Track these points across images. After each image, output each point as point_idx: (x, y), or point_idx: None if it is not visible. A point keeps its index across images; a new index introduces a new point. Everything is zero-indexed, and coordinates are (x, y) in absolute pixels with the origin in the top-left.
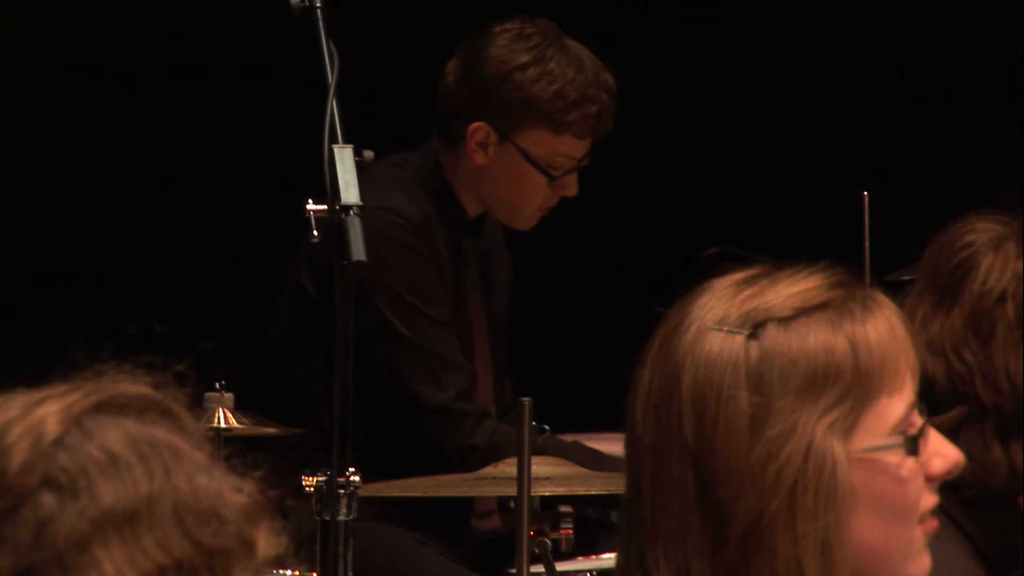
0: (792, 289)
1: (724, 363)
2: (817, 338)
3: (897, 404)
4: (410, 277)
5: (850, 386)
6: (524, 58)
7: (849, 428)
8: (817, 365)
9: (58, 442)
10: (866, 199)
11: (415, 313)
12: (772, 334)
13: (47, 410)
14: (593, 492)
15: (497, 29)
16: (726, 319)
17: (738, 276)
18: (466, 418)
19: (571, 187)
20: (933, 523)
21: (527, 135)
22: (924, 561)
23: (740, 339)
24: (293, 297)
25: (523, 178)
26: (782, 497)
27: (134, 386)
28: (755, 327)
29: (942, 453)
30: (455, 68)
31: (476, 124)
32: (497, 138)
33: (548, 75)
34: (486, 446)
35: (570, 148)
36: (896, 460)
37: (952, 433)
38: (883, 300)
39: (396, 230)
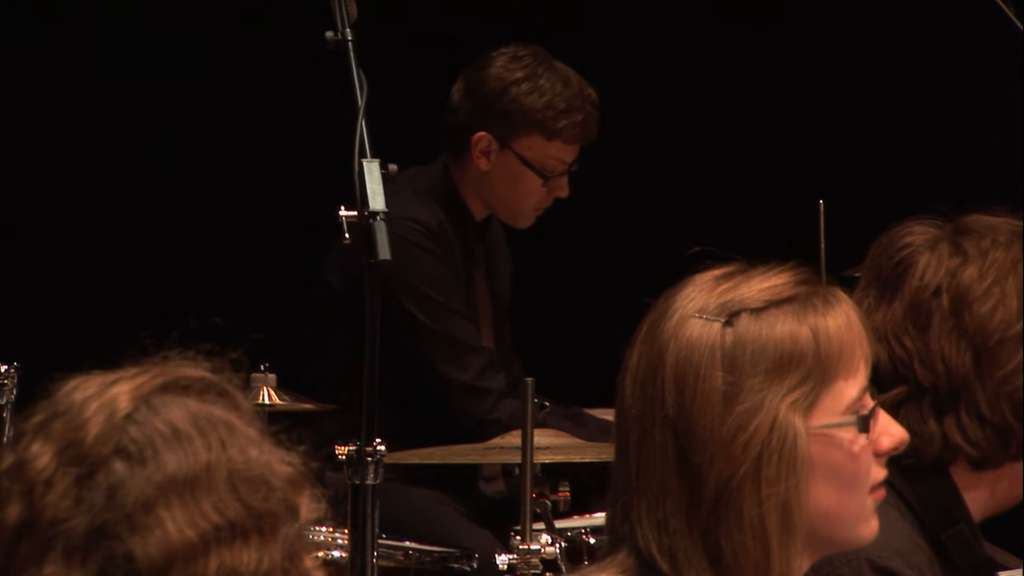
0: (763, 284)
1: (703, 346)
2: (784, 327)
3: (851, 387)
4: (429, 275)
5: (811, 370)
6: (518, 75)
7: (809, 406)
8: (783, 351)
9: (129, 417)
10: (822, 207)
11: (436, 305)
12: (745, 322)
13: (120, 389)
14: (587, 460)
15: (494, 53)
16: (705, 308)
17: (716, 272)
18: (488, 395)
19: (563, 189)
20: (881, 492)
21: (523, 141)
22: (873, 525)
23: (717, 326)
24: (324, 293)
25: (521, 180)
26: (749, 464)
27: (195, 370)
28: (731, 316)
29: (890, 432)
30: (460, 88)
31: (479, 134)
32: (497, 145)
33: (539, 89)
34: (506, 421)
35: (560, 152)
36: (849, 436)
37: (893, 409)
38: (842, 297)
39: (416, 236)
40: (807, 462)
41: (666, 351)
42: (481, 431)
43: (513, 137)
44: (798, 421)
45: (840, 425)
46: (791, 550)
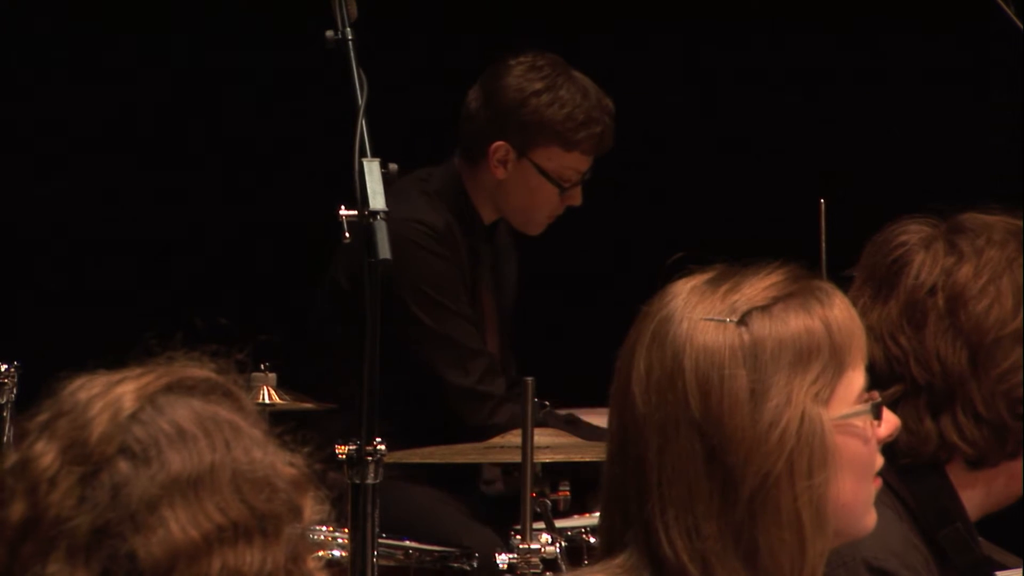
0: (764, 283)
1: (721, 347)
2: (798, 321)
3: (859, 376)
4: (435, 278)
5: (828, 361)
6: (538, 86)
7: (828, 398)
8: (802, 344)
9: (133, 416)
10: (823, 206)
11: (441, 308)
12: (758, 320)
13: (124, 389)
14: (587, 459)
15: (512, 62)
16: (711, 311)
17: (704, 276)
18: (489, 399)
19: (576, 198)
20: (879, 481)
21: (541, 152)
22: (874, 515)
23: (731, 327)
24: (331, 291)
25: (537, 190)
26: (784, 459)
27: (200, 370)
28: (742, 316)
29: (885, 419)
30: (477, 96)
31: (497, 143)
32: (515, 155)
33: (559, 100)
34: (506, 426)
35: (577, 163)
36: (863, 424)
37: (890, 408)
38: (834, 289)
39: (422, 238)
40: (833, 453)
41: (683, 355)
42: (481, 435)
43: (532, 148)
44: (823, 413)
45: (857, 414)
46: (824, 542)
